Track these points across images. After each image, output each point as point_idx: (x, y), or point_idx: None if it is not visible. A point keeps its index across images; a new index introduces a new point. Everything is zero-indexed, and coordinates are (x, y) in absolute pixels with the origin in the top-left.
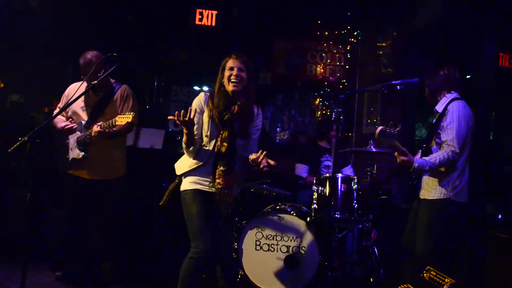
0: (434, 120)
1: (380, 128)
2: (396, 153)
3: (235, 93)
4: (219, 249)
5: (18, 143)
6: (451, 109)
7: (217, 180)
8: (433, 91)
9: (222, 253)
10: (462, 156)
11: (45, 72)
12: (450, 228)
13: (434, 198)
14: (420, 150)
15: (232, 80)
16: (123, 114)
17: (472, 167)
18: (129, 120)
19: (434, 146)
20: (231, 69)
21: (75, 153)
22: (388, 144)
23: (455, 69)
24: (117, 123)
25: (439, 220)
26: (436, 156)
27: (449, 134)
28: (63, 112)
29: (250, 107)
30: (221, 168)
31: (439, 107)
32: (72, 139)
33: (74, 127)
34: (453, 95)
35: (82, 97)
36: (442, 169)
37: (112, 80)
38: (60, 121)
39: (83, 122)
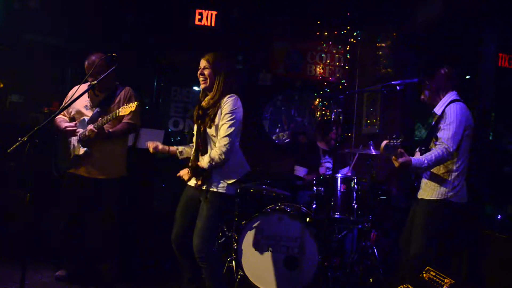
0: (433, 122)
1: (384, 143)
2: (393, 158)
3: (205, 89)
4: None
5: (17, 143)
6: (448, 111)
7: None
8: (434, 92)
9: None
10: (461, 157)
11: (45, 72)
12: (446, 228)
13: (432, 198)
14: (419, 152)
15: (199, 79)
16: (126, 104)
17: (472, 168)
18: (132, 109)
19: (433, 148)
20: (199, 68)
21: (76, 149)
22: (392, 155)
23: (452, 68)
24: (120, 114)
25: (436, 220)
26: (431, 153)
27: (445, 133)
28: (66, 113)
29: (216, 99)
30: (191, 160)
31: (438, 110)
32: (74, 137)
33: (76, 130)
34: (452, 96)
35: (87, 97)
36: (441, 170)
37: (116, 82)
38: (63, 121)
39: (86, 119)
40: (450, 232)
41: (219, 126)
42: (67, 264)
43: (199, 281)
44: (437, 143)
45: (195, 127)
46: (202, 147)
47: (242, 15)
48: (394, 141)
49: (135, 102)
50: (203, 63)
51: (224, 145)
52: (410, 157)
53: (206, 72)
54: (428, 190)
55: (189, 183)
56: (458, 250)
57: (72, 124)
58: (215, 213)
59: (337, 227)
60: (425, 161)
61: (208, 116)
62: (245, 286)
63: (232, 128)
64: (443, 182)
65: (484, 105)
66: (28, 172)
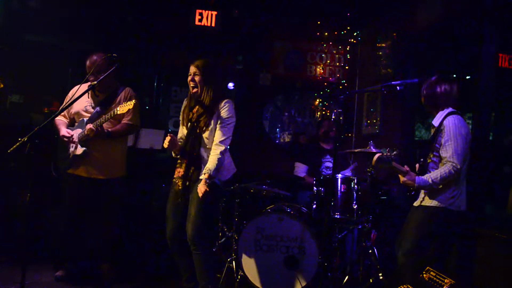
0: (432, 135)
1: (377, 155)
2: (400, 175)
3: (195, 95)
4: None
5: (18, 144)
6: (447, 124)
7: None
8: (429, 103)
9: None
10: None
11: (45, 72)
12: (440, 233)
13: (431, 205)
14: (418, 164)
15: (190, 85)
16: (124, 103)
17: (472, 168)
18: (130, 107)
19: (431, 163)
20: (189, 75)
21: (75, 149)
22: (387, 169)
23: (453, 84)
24: (118, 113)
25: (431, 224)
26: (437, 172)
27: (448, 151)
28: (66, 113)
29: (208, 104)
30: (181, 162)
31: (436, 122)
32: (74, 136)
33: (73, 140)
34: (449, 109)
35: (87, 97)
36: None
37: (117, 83)
38: (62, 125)
39: (85, 120)
40: (446, 237)
41: (216, 129)
42: (67, 264)
43: (197, 280)
44: (444, 161)
45: (184, 129)
46: (194, 149)
47: (242, 15)
48: (390, 153)
49: (133, 100)
50: (192, 69)
51: (223, 146)
52: (415, 176)
53: (196, 78)
54: (427, 198)
55: (175, 180)
56: (454, 253)
57: (68, 135)
58: (205, 200)
59: (337, 227)
60: (430, 180)
61: (203, 121)
62: (245, 286)
63: (229, 133)
64: (441, 191)
65: (484, 105)
66: (28, 172)
